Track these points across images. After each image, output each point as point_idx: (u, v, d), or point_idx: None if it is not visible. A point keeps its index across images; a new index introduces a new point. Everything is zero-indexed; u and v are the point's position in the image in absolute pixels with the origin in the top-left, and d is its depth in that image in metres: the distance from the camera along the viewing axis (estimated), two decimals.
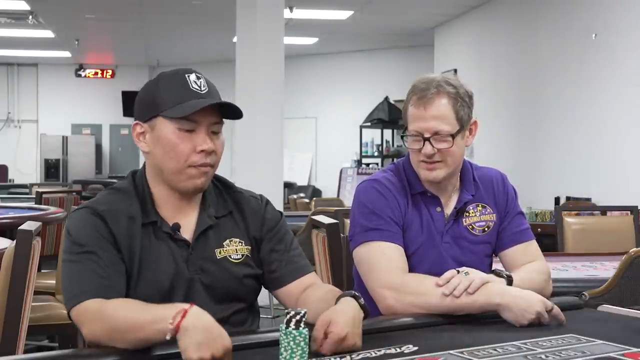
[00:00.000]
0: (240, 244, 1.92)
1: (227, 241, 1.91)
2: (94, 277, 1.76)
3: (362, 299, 1.74)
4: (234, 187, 2.02)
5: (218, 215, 1.93)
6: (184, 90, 1.83)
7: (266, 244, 1.96)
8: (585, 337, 1.77)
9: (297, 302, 1.90)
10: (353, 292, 1.77)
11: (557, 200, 7.53)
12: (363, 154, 12.79)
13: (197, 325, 1.52)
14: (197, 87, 1.84)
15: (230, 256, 1.90)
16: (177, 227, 1.87)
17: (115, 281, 1.78)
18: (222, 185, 2.00)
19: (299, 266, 1.97)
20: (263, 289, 2.01)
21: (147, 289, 1.80)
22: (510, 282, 2.09)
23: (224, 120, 1.89)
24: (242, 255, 1.91)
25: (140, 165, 1.97)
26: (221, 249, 1.90)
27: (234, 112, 1.88)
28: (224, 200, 1.97)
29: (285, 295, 1.96)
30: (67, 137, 15.94)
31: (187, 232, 1.89)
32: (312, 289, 1.92)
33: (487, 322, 1.97)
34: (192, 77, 1.86)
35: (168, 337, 1.53)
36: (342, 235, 2.62)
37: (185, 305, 1.56)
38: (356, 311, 1.69)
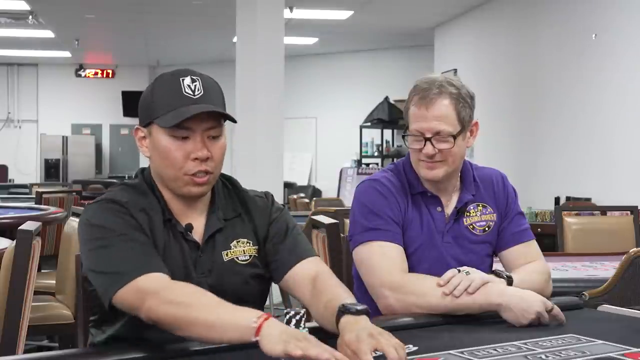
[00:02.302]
0: (248, 244, 1.90)
1: (235, 242, 1.89)
2: (139, 254, 1.71)
3: (359, 306, 1.63)
4: (240, 187, 2.00)
5: (227, 218, 1.90)
6: (177, 96, 1.77)
7: (271, 237, 1.93)
8: (585, 337, 1.76)
9: (309, 295, 1.82)
10: (350, 306, 1.63)
11: (557, 200, 7.53)
12: (363, 154, 12.78)
13: (278, 325, 1.50)
14: (190, 92, 1.77)
15: (237, 258, 1.88)
16: (190, 227, 1.85)
17: (159, 259, 1.73)
18: (230, 185, 1.98)
19: (301, 249, 1.91)
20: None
21: None
22: (510, 282, 2.09)
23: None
24: (250, 256, 1.89)
25: (141, 166, 1.95)
26: (229, 250, 1.87)
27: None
28: (232, 202, 1.94)
29: (292, 283, 1.88)
30: (67, 137, 15.93)
31: (197, 233, 1.87)
32: (320, 284, 1.82)
33: (487, 322, 1.97)
34: (187, 80, 1.79)
35: (253, 340, 1.50)
36: (342, 235, 2.62)
37: (261, 312, 1.54)
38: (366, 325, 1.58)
